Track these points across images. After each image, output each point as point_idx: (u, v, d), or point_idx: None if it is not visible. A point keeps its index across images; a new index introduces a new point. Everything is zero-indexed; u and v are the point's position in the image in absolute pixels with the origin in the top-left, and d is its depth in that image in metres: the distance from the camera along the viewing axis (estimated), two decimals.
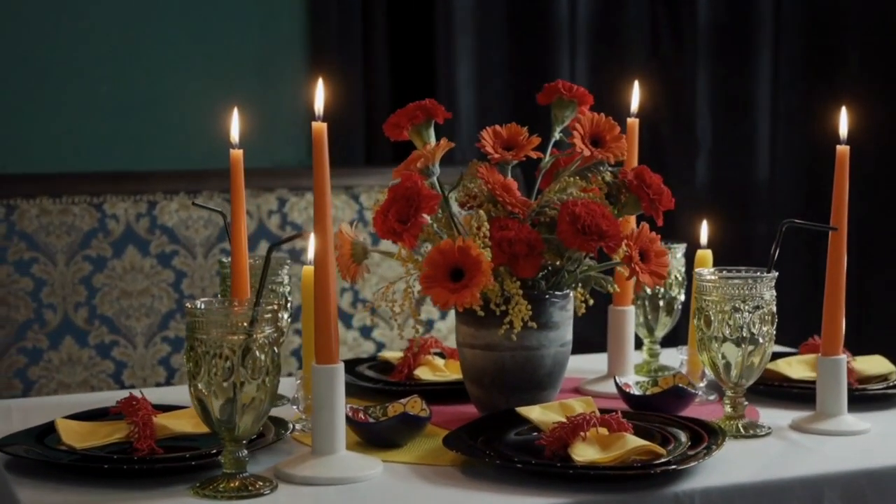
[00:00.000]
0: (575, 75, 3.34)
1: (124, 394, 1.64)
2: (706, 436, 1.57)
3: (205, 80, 3.06)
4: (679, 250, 2.05)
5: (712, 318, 1.65)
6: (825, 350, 1.72)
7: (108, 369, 2.69)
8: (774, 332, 1.67)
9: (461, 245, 1.61)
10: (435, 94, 3.17)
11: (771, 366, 1.88)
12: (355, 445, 1.58)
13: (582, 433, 1.50)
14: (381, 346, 2.88)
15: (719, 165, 3.55)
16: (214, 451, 1.49)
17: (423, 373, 1.94)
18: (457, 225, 1.70)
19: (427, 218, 1.64)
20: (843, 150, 1.72)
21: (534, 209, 1.70)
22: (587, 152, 1.75)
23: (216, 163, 2.63)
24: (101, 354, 2.69)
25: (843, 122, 1.74)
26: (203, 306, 1.41)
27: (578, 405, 1.65)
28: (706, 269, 1.72)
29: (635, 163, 1.91)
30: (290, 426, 1.64)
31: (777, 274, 1.67)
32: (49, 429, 1.62)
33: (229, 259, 1.66)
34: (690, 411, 1.75)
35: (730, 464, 1.53)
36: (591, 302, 1.76)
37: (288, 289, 1.83)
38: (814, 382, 1.75)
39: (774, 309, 1.67)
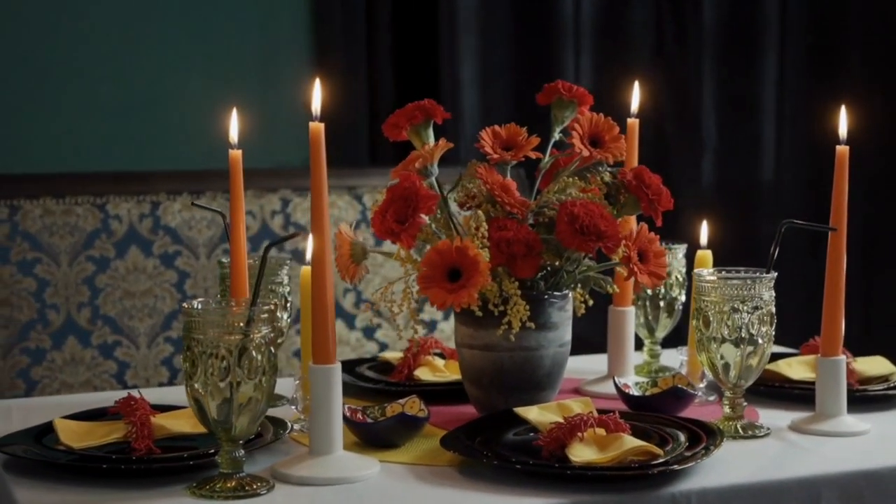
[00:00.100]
0: (579, 75, 3.33)
1: (125, 394, 1.64)
2: (704, 436, 1.57)
3: (206, 81, 3.06)
4: (680, 251, 2.05)
5: (711, 318, 1.65)
6: (825, 351, 1.71)
7: (110, 369, 2.70)
8: (773, 333, 1.66)
9: (459, 245, 1.61)
10: (439, 94, 3.17)
11: (771, 366, 1.87)
12: (353, 446, 1.58)
13: (579, 434, 1.50)
14: (384, 346, 2.87)
15: (724, 165, 3.54)
16: (212, 451, 1.49)
17: (423, 373, 1.94)
18: (455, 225, 1.70)
19: (425, 218, 1.64)
20: (842, 150, 1.71)
21: (532, 209, 1.70)
22: (586, 152, 1.75)
23: (218, 163, 2.63)
24: (103, 355, 2.69)
25: (843, 122, 1.73)
26: (200, 306, 1.41)
27: (576, 406, 1.64)
28: (705, 270, 1.72)
29: (635, 163, 1.90)
30: (289, 426, 1.64)
31: (776, 274, 1.67)
32: (47, 429, 1.62)
33: (229, 260, 1.66)
34: (690, 412, 1.74)
35: (727, 464, 1.53)
36: (591, 302, 1.75)
37: (288, 289, 1.83)
38: (814, 383, 1.74)
39: (773, 310, 1.66)
